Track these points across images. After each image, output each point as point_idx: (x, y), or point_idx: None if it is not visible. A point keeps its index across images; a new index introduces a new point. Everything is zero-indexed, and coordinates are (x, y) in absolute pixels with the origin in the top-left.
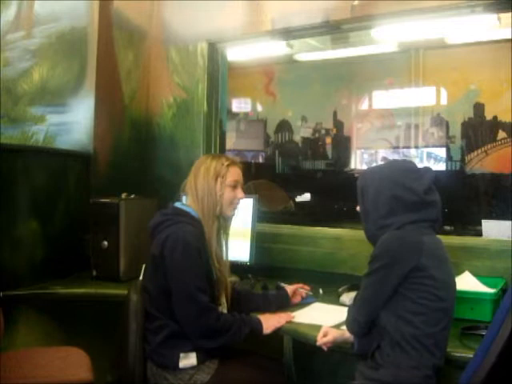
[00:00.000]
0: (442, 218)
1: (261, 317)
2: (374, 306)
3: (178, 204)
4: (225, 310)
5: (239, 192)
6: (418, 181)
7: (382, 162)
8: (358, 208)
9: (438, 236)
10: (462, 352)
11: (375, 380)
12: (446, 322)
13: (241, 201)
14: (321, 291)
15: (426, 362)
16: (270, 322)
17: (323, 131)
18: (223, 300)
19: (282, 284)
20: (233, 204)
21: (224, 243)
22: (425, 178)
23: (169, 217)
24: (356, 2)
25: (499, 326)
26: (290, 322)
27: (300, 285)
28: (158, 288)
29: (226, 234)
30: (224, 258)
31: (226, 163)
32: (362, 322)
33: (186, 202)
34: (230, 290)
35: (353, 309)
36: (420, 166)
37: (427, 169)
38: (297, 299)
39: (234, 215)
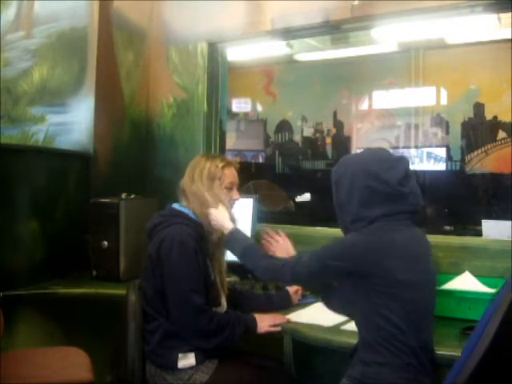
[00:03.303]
0: (421, 209)
1: (256, 316)
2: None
3: (175, 205)
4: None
5: (235, 193)
6: (390, 171)
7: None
8: None
9: (440, 236)
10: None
11: (350, 376)
12: (420, 321)
13: (236, 201)
14: None
15: (397, 361)
16: (264, 322)
17: (326, 131)
18: (223, 301)
19: None
20: (228, 205)
21: (222, 244)
22: (398, 168)
23: (166, 218)
24: (356, 2)
25: (484, 326)
26: (289, 322)
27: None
28: (155, 289)
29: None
30: (222, 258)
31: (220, 165)
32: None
33: (183, 203)
34: (229, 290)
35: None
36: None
37: (401, 157)
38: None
39: None
